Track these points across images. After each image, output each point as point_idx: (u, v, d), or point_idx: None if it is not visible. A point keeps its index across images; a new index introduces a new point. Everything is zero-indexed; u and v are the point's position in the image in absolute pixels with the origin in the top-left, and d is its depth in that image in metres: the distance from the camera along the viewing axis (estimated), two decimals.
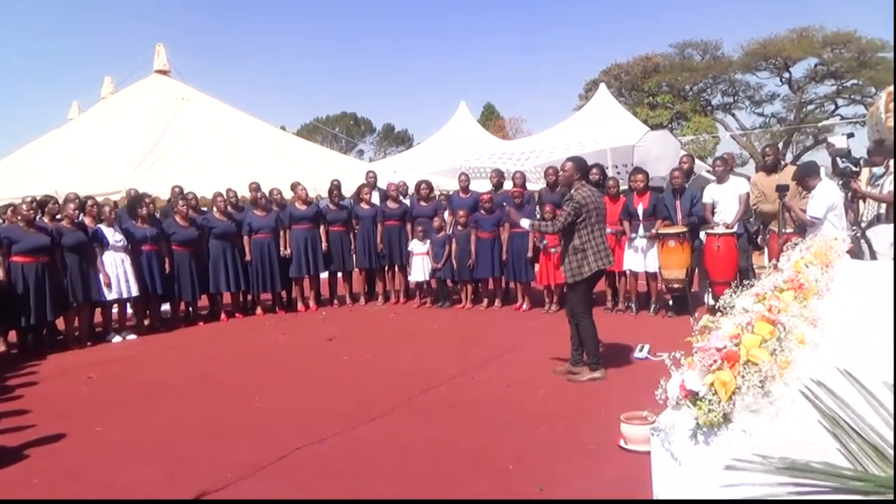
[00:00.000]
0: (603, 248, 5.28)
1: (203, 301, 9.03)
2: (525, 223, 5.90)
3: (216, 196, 8.95)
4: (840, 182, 6.62)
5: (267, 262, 8.94)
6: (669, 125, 32.92)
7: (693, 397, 1.96)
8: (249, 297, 9.32)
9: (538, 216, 8.14)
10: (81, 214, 7.70)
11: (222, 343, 7.54)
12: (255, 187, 9.40)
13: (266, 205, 9.18)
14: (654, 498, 2.06)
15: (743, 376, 1.90)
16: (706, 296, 7.48)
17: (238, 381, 5.75)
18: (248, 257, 8.86)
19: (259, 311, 9.15)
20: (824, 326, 2.70)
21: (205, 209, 9.45)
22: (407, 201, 9.81)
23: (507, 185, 9.63)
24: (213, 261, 8.63)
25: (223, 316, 8.86)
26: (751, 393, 1.89)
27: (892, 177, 6.64)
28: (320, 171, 12.91)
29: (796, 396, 1.92)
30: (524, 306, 8.55)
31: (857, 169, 6.78)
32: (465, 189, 9.31)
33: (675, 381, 2.07)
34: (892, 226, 6.61)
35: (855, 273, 4.44)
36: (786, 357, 2.03)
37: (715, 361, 1.94)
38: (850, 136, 7.08)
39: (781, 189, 6.46)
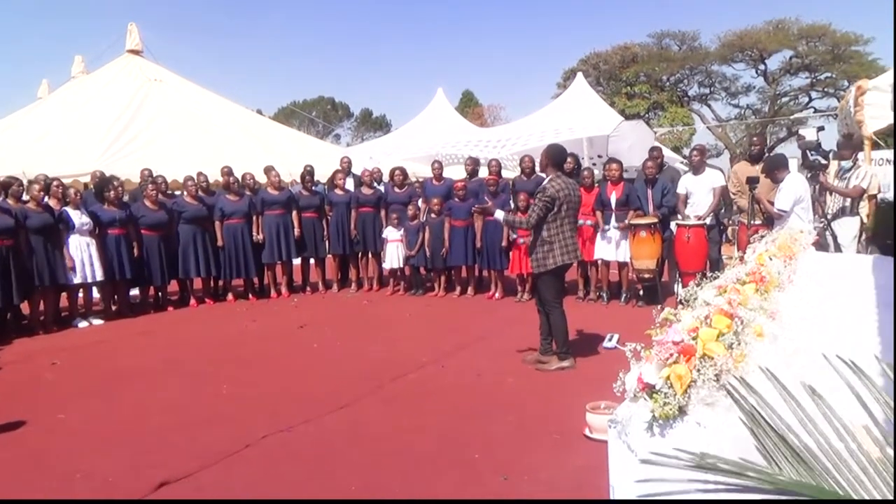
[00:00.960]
0: (571, 242, 5.28)
1: (173, 286, 8.93)
2: (499, 215, 5.83)
3: (187, 180, 8.84)
4: (809, 175, 6.72)
5: (240, 248, 8.87)
6: (646, 115, 33.13)
7: (650, 390, 1.97)
8: (220, 283, 9.23)
9: (512, 205, 8.16)
10: (47, 196, 7.56)
11: (191, 329, 7.47)
12: (227, 171, 9.30)
13: (238, 189, 9.08)
14: (611, 489, 2.08)
15: (699, 370, 1.91)
16: (676, 286, 7.56)
17: (206, 369, 5.71)
18: (219, 242, 8.77)
19: (230, 297, 9.08)
20: (784, 319, 2.73)
21: (176, 193, 9.33)
22: (381, 188, 9.77)
23: (483, 172, 9.61)
24: (182, 245, 8.52)
25: (193, 301, 8.78)
26: (706, 386, 1.91)
27: (859, 170, 6.76)
28: (295, 156, 12.78)
29: (772, 373, 1.95)
30: (497, 294, 8.58)
31: (826, 162, 6.89)
32: (439, 177, 9.28)
33: (634, 373, 2.08)
34: (856, 218, 6.75)
35: (818, 265, 4.51)
36: (741, 351, 2.04)
37: (671, 355, 1.95)
38: (821, 129, 7.18)
39: (751, 181, 6.53)
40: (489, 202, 6.55)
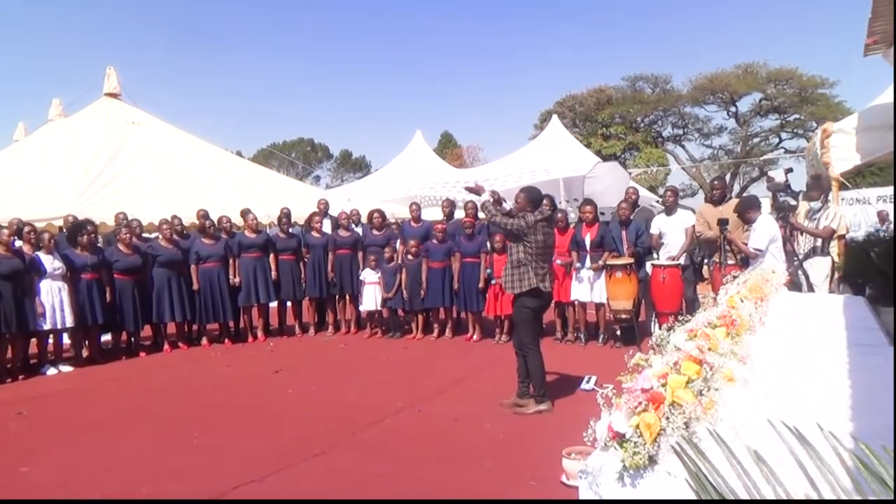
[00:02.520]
0: (541, 273, 5.28)
1: (146, 331, 8.78)
2: (485, 196, 5.61)
3: (161, 223, 8.76)
4: (779, 216, 6.82)
5: (216, 291, 8.76)
6: (622, 156, 33.68)
7: (620, 439, 1.95)
8: (195, 328, 9.09)
9: (489, 246, 8.18)
10: (18, 241, 7.43)
11: (164, 375, 7.31)
12: (203, 214, 9.24)
13: (214, 233, 9.01)
14: None
15: (668, 418, 1.90)
16: (653, 326, 7.58)
17: (177, 416, 5.57)
18: (195, 286, 8.66)
19: (205, 341, 8.93)
20: (755, 362, 2.74)
21: (152, 236, 9.24)
22: (359, 230, 9.77)
23: (459, 213, 9.65)
24: (157, 290, 8.40)
25: (167, 346, 8.62)
26: (675, 434, 1.89)
27: (828, 211, 6.88)
28: (274, 198, 12.76)
29: (706, 434, 1.93)
30: (475, 336, 8.54)
31: (796, 203, 7.01)
32: (417, 219, 9.31)
33: (604, 422, 2.07)
34: (828, 258, 6.84)
35: (790, 305, 4.55)
36: (710, 398, 2.04)
37: (640, 403, 1.94)
38: (789, 170, 7.32)
39: (722, 223, 6.61)
40: (476, 185, 6.05)
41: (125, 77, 15.28)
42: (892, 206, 12.75)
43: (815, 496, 1.34)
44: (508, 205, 6.55)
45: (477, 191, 5.67)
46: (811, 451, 1.39)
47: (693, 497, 1.44)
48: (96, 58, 72.74)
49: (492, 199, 5.64)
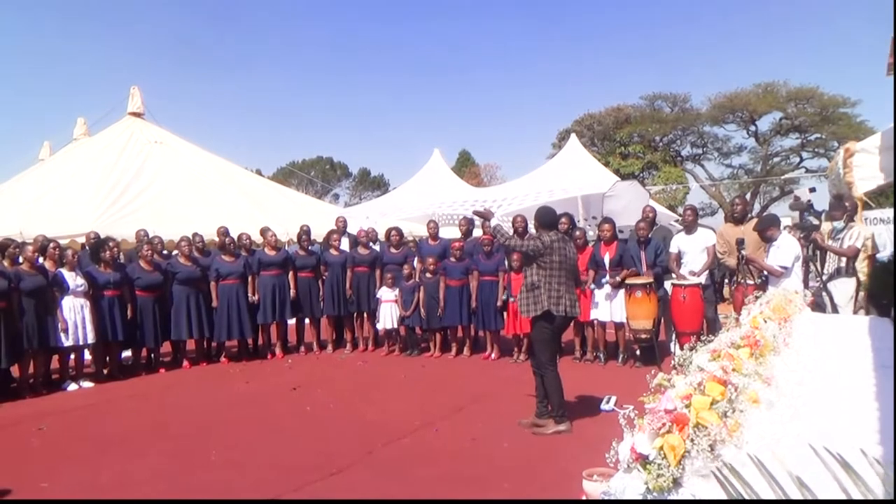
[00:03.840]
0: (564, 295, 5.24)
1: (166, 347, 8.83)
2: (494, 222, 5.75)
3: (181, 240, 8.84)
4: (802, 235, 6.74)
5: (234, 309, 8.80)
6: (641, 174, 33.55)
7: (643, 461, 1.92)
8: (214, 345, 9.14)
9: (506, 264, 8.16)
10: (42, 258, 7.54)
11: (183, 392, 7.34)
12: (223, 232, 9.32)
13: (234, 250, 9.08)
14: None
15: (692, 440, 1.87)
16: (673, 346, 7.49)
17: (195, 433, 5.58)
18: (214, 303, 8.72)
19: (224, 358, 8.97)
20: (779, 384, 2.69)
21: (173, 253, 9.34)
22: (377, 247, 9.78)
23: (478, 232, 9.66)
24: (175, 307, 8.47)
25: (186, 363, 8.67)
26: (700, 457, 1.86)
27: (852, 230, 6.79)
28: (293, 216, 12.86)
29: (747, 460, 1.89)
30: (493, 355, 8.49)
31: (819, 222, 6.93)
32: (434, 236, 9.31)
33: (627, 443, 2.03)
34: (853, 279, 6.74)
35: (814, 326, 4.48)
36: (735, 419, 2.00)
37: (664, 424, 1.91)
38: (812, 190, 7.25)
39: (739, 242, 6.54)
40: (485, 211, 6.17)
41: (148, 96, 15.57)
42: None
43: None
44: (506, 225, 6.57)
45: (486, 215, 5.75)
46: (853, 476, 1.36)
47: None
48: (121, 77, 74.23)
49: (500, 225, 5.73)
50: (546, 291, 5.20)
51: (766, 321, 3.51)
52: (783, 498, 1.37)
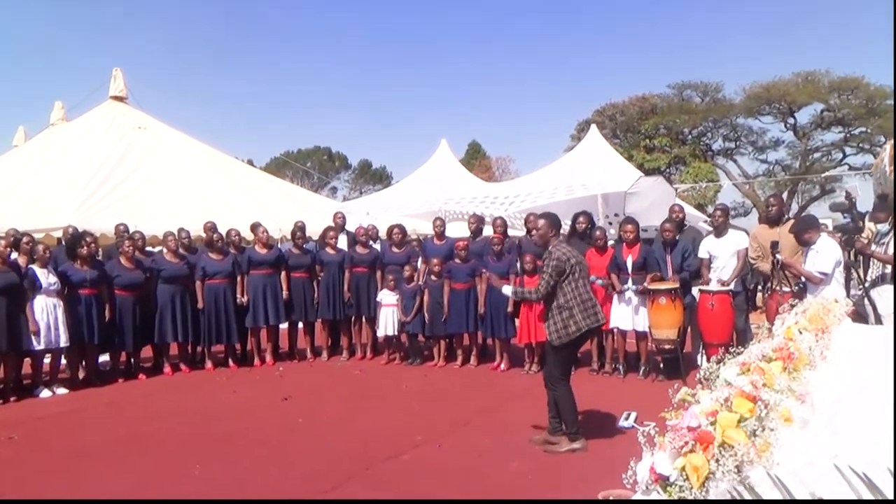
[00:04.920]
0: (591, 303, 5.29)
1: (147, 352, 8.88)
2: (507, 290, 5.91)
3: (166, 235, 8.88)
4: (842, 238, 6.71)
5: (222, 311, 8.84)
6: (667, 170, 33.46)
7: (663, 482, 1.93)
8: (199, 349, 9.18)
9: (518, 266, 8.17)
10: (15, 253, 7.59)
11: (165, 400, 7.38)
12: (210, 227, 9.35)
13: (222, 247, 9.11)
14: None
15: (717, 460, 1.87)
16: (700, 358, 7.48)
17: (178, 445, 5.62)
18: (200, 304, 8.75)
19: (209, 364, 9.01)
20: (815, 401, 2.68)
21: (155, 249, 9.38)
22: (378, 246, 9.81)
23: (488, 231, 9.66)
24: (160, 307, 8.51)
25: (168, 369, 8.71)
26: (726, 479, 1.86)
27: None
28: (287, 211, 12.89)
29: (783, 483, 1.90)
30: (502, 366, 8.50)
31: (861, 225, 6.89)
32: (440, 235, 9.33)
33: (646, 463, 2.04)
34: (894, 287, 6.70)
35: (855, 338, 4.46)
36: (765, 439, 2.00)
37: (686, 443, 1.91)
38: (852, 190, 7.20)
39: (773, 246, 6.52)
40: (492, 278, 6.52)
41: (132, 79, 15.63)
42: None
43: None
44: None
45: (497, 287, 6.07)
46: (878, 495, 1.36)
47: None
48: (102, 59, 74.59)
49: (511, 286, 6.14)
50: (581, 311, 5.21)
51: (801, 332, 3.50)
52: None
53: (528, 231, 8.60)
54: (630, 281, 7.71)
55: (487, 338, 8.85)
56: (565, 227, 7.79)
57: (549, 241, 5.41)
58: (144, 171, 13.13)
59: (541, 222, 5.51)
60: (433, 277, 8.79)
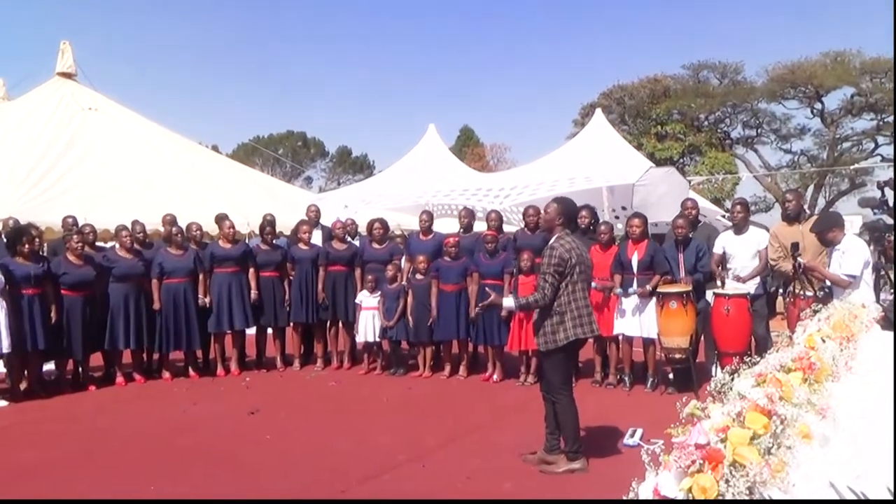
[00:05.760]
0: (586, 312, 5.30)
1: (97, 359, 8.84)
2: (509, 303, 5.98)
3: (120, 229, 8.84)
4: (870, 237, 6.77)
5: (181, 313, 8.81)
6: (680, 160, 33.56)
7: None
8: (155, 357, 9.15)
9: (514, 265, 8.18)
10: None
11: (117, 413, 7.37)
12: (169, 220, 9.33)
13: (182, 242, 9.08)
14: None
15: (727, 481, 1.89)
16: (714, 369, 7.52)
17: (131, 463, 5.61)
18: (156, 306, 8.72)
19: (166, 374, 8.98)
20: (837, 416, 2.71)
21: (108, 245, 9.34)
22: (357, 242, 9.81)
23: (481, 226, 9.67)
24: (112, 309, 8.48)
25: (120, 379, 8.68)
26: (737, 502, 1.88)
27: None
28: (255, 202, 12.90)
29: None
30: (495, 376, 8.53)
31: (892, 223, 6.96)
32: (427, 230, 9.34)
33: (649, 483, 2.06)
34: None
35: (883, 347, 4.50)
36: (780, 458, 2.02)
37: (694, 462, 1.93)
38: (887, 183, 7.27)
39: (794, 248, 6.57)
40: (494, 298, 6.41)
41: (82, 54, 15.60)
42: None
43: None
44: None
45: (494, 304, 6.18)
46: None
47: None
48: (48, 30, 74.01)
49: (513, 298, 6.11)
50: (571, 318, 5.24)
51: (824, 340, 3.53)
52: None
53: (527, 224, 8.62)
54: (635, 282, 7.73)
55: (479, 345, 8.87)
56: None
57: (554, 231, 5.40)
58: (96, 157, 13.12)
59: (552, 206, 5.50)
60: (418, 277, 8.80)
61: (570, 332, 5.21)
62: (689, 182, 16.25)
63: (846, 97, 33.26)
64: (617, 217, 13.38)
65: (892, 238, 6.87)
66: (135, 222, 9.14)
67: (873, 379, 3.52)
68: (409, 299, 8.82)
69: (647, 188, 11.92)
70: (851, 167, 32.01)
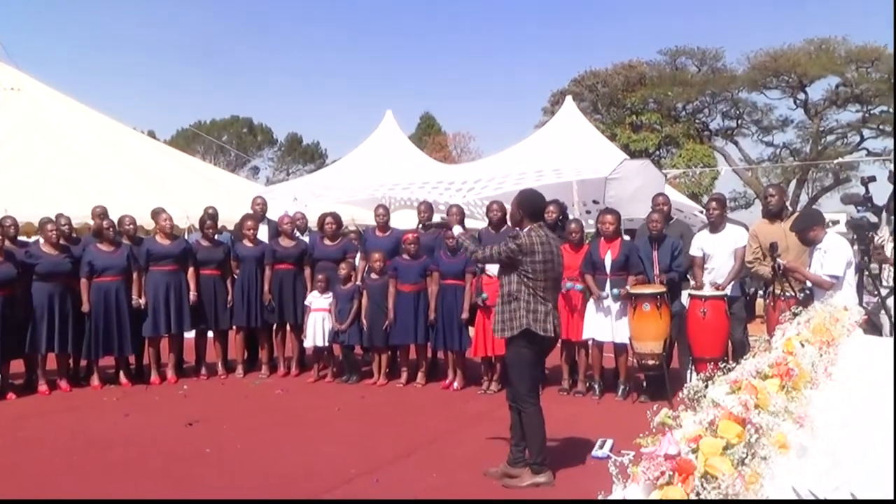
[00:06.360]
0: (543, 311, 5.31)
1: (17, 365, 8.70)
2: (458, 230, 5.94)
3: (45, 223, 8.69)
4: (854, 237, 6.90)
5: (113, 315, 8.68)
6: (656, 153, 33.93)
7: None
8: (83, 363, 9.03)
9: (478, 265, 8.20)
10: None
11: (39, 424, 7.25)
12: (100, 213, 9.21)
13: (114, 237, 8.96)
14: None
15: (698, 494, 1.92)
16: (689, 375, 7.62)
17: (55, 480, 5.53)
18: (85, 307, 8.60)
19: (95, 381, 8.85)
20: (816, 425, 2.77)
21: (31, 239, 9.18)
22: (307, 239, 9.77)
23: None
24: (35, 310, 8.33)
25: (43, 386, 8.54)
26: None
27: None
28: (196, 194, 12.79)
29: None
30: (455, 384, 8.55)
31: (877, 221, 7.11)
32: (384, 226, 9.34)
33: (616, 497, 2.08)
34: None
35: (866, 352, 4.60)
36: (754, 469, 2.06)
37: (663, 473, 1.96)
38: (871, 179, 7.42)
39: (772, 248, 6.67)
40: (451, 213, 6.30)
41: (4, 30, 15.32)
42: None
43: None
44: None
45: (447, 224, 5.85)
46: None
47: None
48: None
49: (465, 235, 5.90)
50: (525, 305, 5.26)
51: (803, 345, 3.60)
52: None
53: (490, 220, 8.65)
54: (608, 283, 7.78)
55: (438, 350, 8.89)
56: None
57: (523, 225, 5.44)
58: (17, 142, 12.91)
59: (513, 202, 5.57)
60: (374, 277, 8.79)
61: (523, 320, 5.25)
62: (666, 176, 16.41)
63: (831, 87, 33.93)
64: (588, 212, 13.51)
65: (876, 237, 7.01)
66: (59, 215, 8.98)
67: (854, 386, 3.59)
68: (364, 300, 8.80)
69: (621, 182, 12.03)
70: (835, 161, 32.56)
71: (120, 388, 8.77)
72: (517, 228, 5.61)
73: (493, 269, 7.03)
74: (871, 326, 6.34)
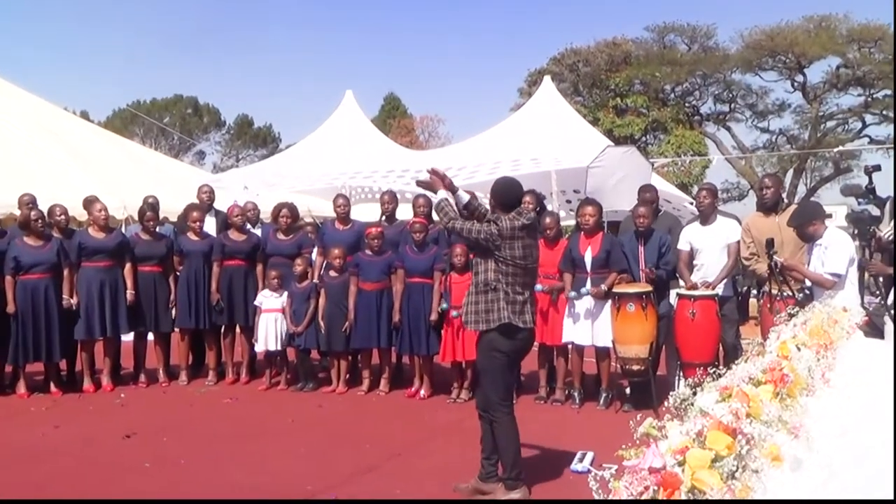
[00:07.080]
0: (520, 300, 5.34)
1: None
2: (441, 195, 5.57)
3: None
4: (855, 231, 6.97)
5: (41, 317, 8.61)
6: (643, 139, 34.10)
7: None
8: (8, 369, 8.93)
9: (446, 261, 8.21)
10: None
11: None
12: (27, 202, 9.13)
13: (43, 229, 8.87)
14: None
15: None
16: (677, 382, 7.67)
17: None
18: (10, 308, 8.51)
19: (21, 389, 8.78)
20: (812, 435, 2.81)
21: None
22: (259, 232, 9.73)
23: (406, 213, 9.68)
24: None
25: None
26: None
27: None
28: (134, 182, 12.69)
29: None
30: (422, 392, 8.57)
31: (880, 214, 7.18)
32: (345, 218, 9.33)
33: None
34: None
35: (867, 357, 4.66)
36: (745, 483, 2.09)
37: (647, 488, 1.99)
38: (875, 168, 7.49)
39: (769, 245, 6.72)
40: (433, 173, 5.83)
41: None
42: None
43: None
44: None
45: (432, 186, 5.69)
46: None
47: None
48: None
49: (450, 199, 5.63)
50: (505, 295, 5.28)
51: (799, 348, 3.64)
52: None
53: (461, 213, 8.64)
54: (588, 282, 7.81)
55: (403, 355, 8.90)
56: None
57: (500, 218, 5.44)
58: None
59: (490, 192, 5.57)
60: (333, 274, 8.78)
61: (503, 312, 5.27)
62: (653, 164, 16.50)
63: (831, 69, 34.10)
64: (569, 201, 13.57)
65: (878, 232, 7.08)
66: None
67: (853, 393, 3.65)
68: (322, 300, 8.79)
69: (604, 171, 12.08)
70: (836, 149, 32.74)
71: (49, 397, 8.70)
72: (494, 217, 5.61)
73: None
74: (873, 328, 6.40)
